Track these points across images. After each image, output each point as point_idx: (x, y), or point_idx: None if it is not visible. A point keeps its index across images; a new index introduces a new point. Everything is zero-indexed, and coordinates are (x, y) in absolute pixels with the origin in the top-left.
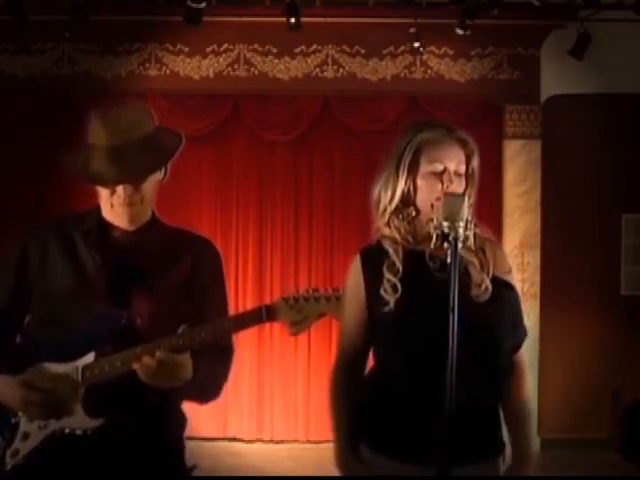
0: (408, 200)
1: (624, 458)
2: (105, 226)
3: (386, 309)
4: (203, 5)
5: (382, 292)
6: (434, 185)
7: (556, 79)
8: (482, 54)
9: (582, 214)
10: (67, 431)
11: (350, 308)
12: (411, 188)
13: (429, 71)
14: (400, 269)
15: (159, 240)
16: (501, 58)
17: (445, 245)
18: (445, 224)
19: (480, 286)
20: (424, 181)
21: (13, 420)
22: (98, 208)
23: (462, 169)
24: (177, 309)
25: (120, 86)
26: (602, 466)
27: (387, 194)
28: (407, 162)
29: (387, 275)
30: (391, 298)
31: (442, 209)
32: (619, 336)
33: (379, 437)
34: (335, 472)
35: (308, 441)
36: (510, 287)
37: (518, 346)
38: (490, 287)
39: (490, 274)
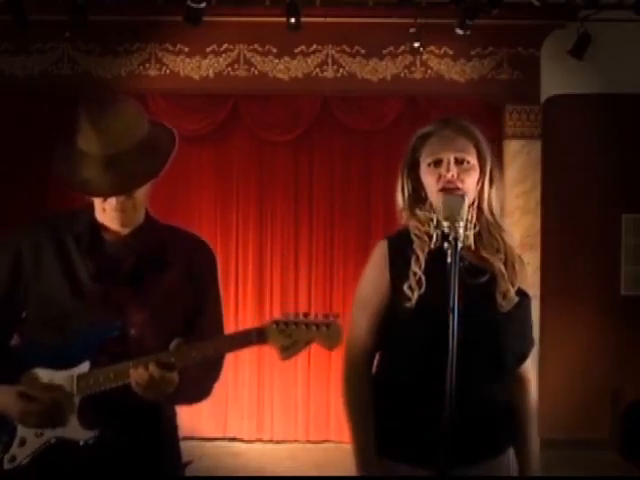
0: (420, 199)
1: (624, 458)
2: (97, 229)
3: (408, 304)
4: (203, 5)
5: (406, 288)
6: (434, 178)
7: (556, 79)
8: (482, 54)
9: (582, 214)
10: (63, 439)
11: (369, 300)
12: (417, 186)
13: (429, 71)
14: (423, 265)
15: (153, 243)
16: (501, 58)
17: (445, 245)
18: (445, 224)
19: (506, 296)
20: (426, 176)
21: (10, 425)
22: (91, 207)
23: (468, 157)
24: (171, 318)
25: (120, 86)
26: (602, 466)
27: (400, 196)
28: (407, 161)
29: (414, 268)
30: (414, 294)
31: (442, 209)
32: (619, 336)
33: (387, 442)
34: (335, 472)
35: (308, 441)
36: (529, 301)
37: (525, 355)
38: (515, 298)
39: (516, 287)
